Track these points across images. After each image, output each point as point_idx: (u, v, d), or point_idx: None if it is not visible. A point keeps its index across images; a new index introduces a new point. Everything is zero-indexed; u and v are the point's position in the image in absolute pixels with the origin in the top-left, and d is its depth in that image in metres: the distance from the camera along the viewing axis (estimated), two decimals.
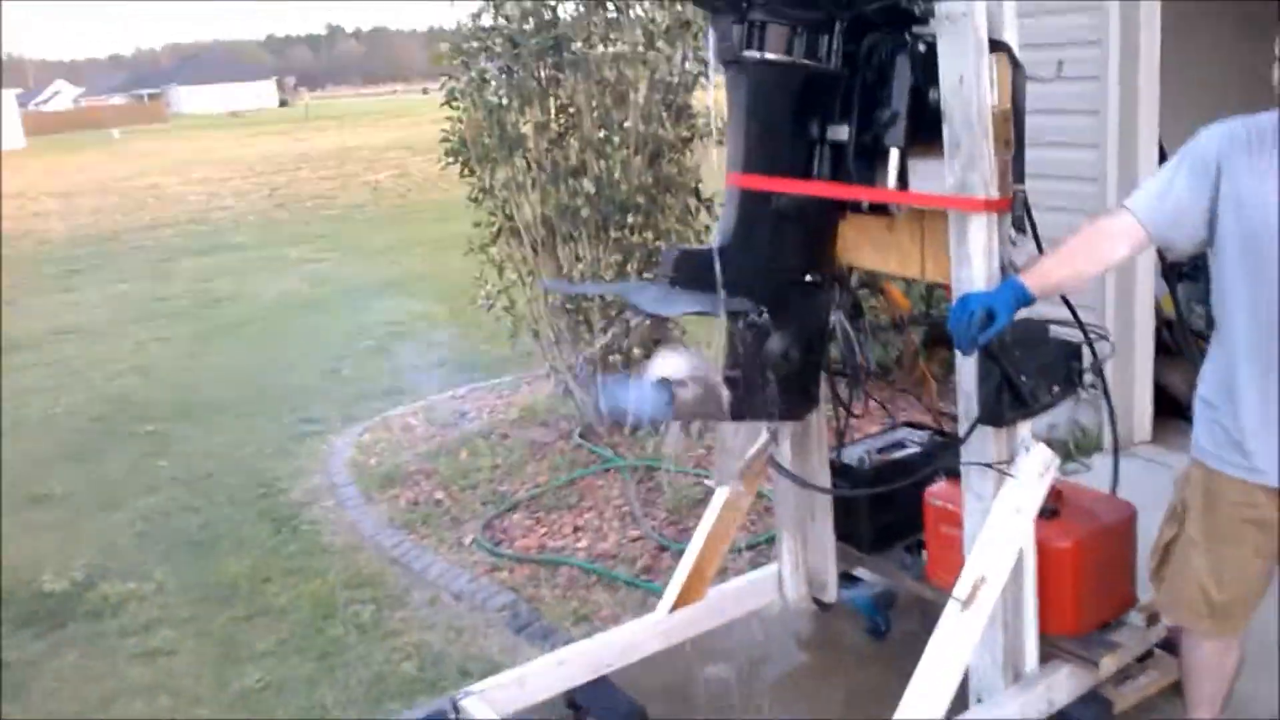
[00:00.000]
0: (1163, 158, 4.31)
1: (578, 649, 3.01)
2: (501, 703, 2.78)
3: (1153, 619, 2.81)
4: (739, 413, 2.43)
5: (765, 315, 2.34)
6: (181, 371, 7.56)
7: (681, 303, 2.35)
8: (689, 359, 2.37)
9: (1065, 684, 2.67)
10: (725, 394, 2.37)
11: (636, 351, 4.94)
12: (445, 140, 5.03)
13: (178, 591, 4.14)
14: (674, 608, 3.10)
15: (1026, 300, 2.19)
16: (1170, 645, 2.81)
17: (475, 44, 4.79)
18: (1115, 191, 4.16)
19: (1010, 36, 2.16)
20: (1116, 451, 2.85)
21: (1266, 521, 2.28)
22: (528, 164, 4.78)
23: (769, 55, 2.30)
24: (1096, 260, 2.28)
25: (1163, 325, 4.62)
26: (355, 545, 4.44)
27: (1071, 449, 4.26)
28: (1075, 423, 4.39)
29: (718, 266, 2.26)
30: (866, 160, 2.36)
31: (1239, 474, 2.26)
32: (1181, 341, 4.70)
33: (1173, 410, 4.67)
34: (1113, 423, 2.85)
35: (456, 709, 2.74)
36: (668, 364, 2.32)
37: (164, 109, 63.94)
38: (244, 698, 3.36)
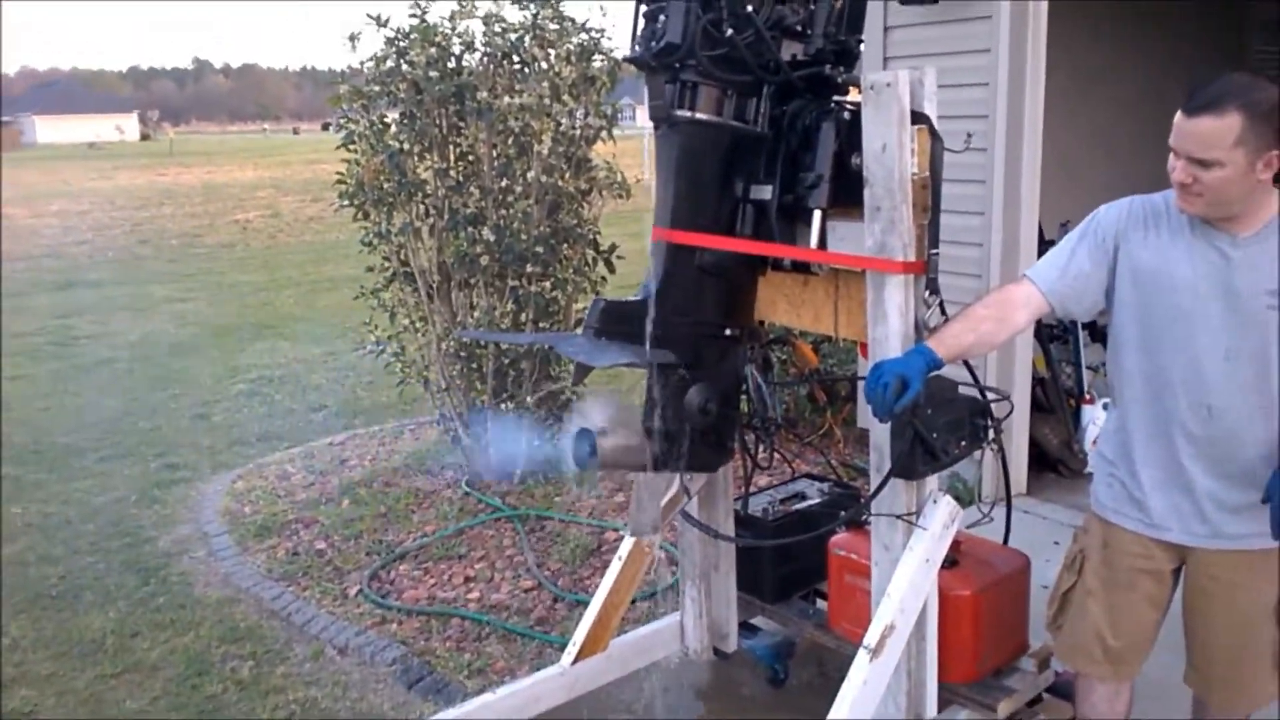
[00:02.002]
0: (1041, 234, 4.57)
1: (477, 704, 2.93)
2: None
3: (1043, 664, 2.92)
4: (661, 463, 2.44)
5: (688, 368, 2.37)
6: (37, 413, 7.14)
7: (610, 354, 2.36)
8: (611, 409, 2.37)
9: None
10: (646, 444, 2.38)
11: (529, 400, 4.93)
12: (341, 183, 4.95)
13: (36, 647, 3.87)
14: (577, 659, 3.06)
15: (936, 365, 2.27)
16: (1058, 690, 2.93)
17: (377, 88, 4.74)
18: (999, 255, 4.38)
19: (930, 109, 2.26)
20: (1009, 503, 2.96)
21: (1160, 573, 2.42)
22: (426, 210, 4.74)
23: (699, 115, 2.35)
24: (1003, 327, 2.39)
25: (1036, 383, 4.86)
26: (231, 598, 4.25)
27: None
28: (955, 475, 4.56)
29: (651, 318, 2.28)
30: (788, 220, 2.43)
31: (1136, 528, 2.38)
32: (1053, 399, 4.96)
33: (1044, 464, 4.91)
34: (1006, 476, 2.97)
35: None
36: (591, 413, 2.32)
37: (17, 137, 60.88)
38: None
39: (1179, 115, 2.11)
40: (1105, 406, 4.41)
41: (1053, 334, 4.99)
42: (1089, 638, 2.47)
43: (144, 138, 70.89)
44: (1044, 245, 4.72)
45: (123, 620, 4.06)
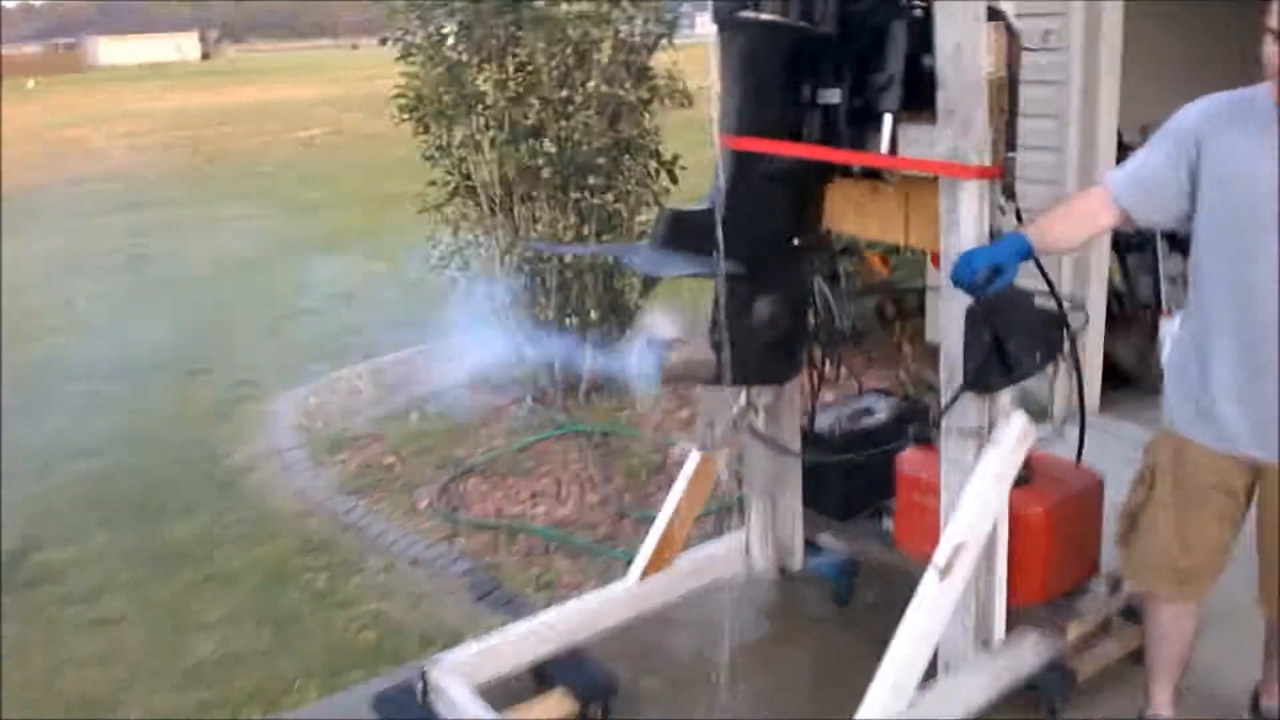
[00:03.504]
0: (1120, 139, 4.38)
1: (547, 618, 2.96)
2: (471, 673, 2.73)
3: (1114, 586, 2.86)
4: (727, 377, 2.41)
5: (755, 279, 2.31)
6: (116, 330, 7.29)
7: (676, 264, 2.32)
8: (677, 321, 2.33)
9: (1031, 652, 2.71)
10: (713, 357, 2.34)
11: (593, 314, 4.90)
12: (400, 96, 4.89)
13: (122, 557, 4.00)
14: (643, 576, 3.07)
15: (1028, 253, 2.21)
16: (1131, 613, 2.88)
17: None
18: (1076, 161, 4.21)
19: (1007, 5, 2.14)
20: (1083, 421, 2.87)
21: (1233, 489, 2.34)
22: (486, 123, 4.67)
23: (763, 16, 2.25)
24: (1088, 225, 2.34)
25: (1111, 296, 4.70)
26: (305, 511, 4.34)
27: None
28: (1026, 391, 4.45)
29: (719, 228, 2.22)
30: (858, 125, 2.34)
31: (1208, 442, 2.30)
32: (1130, 311, 4.80)
33: (1119, 380, 4.77)
34: (1080, 392, 2.87)
35: (425, 680, 2.69)
36: (657, 326, 2.29)
37: (81, 59, 61.54)
38: (198, 669, 3.27)
39: None
40: None
41: (1130, 243, 4.80)
42: (1158, 555, 2.42)
43: (204, 57, 71.19)
44: (1123, 150, 4.51)
45: (204, 531, 4.17)
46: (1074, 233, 2.37)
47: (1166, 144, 2.24)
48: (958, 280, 2.19)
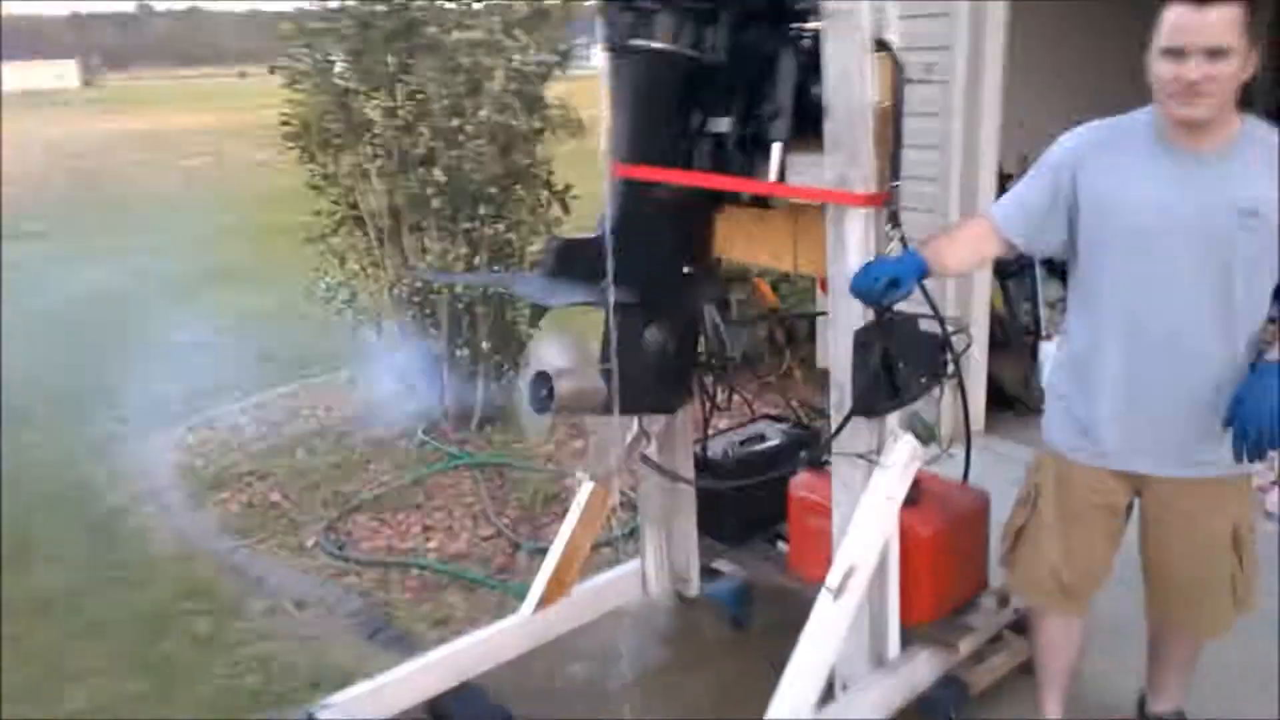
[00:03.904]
0: (1001, 170, 4.54)
1: (439, 654, 2.90)
2: (361, 715, 2.65)
3: (1003, 601, 2.93)
4: (618, 406, 2.39)
5: (645, 306, 2.31)
6: None
7: (565, 293, 2.29)
8: (568, 350, 2.31)
9: (925, 667, 2.75)
10: (604, 386, 2.33)
11: (484, 345, 4.85)
12: (286, 124, 4.79)
13: None
14: (538, 607, 3.03)
15: (924, 273, 2.26)
16: (1019, 627, 2.95)
17: (322, 24, 4.57)
18: (958, 191, 4.34)
19: (892, 36, 2.19)
20: (969, 442, 2.94)
21: (1115, 506, 2.42)
22: (374, 151, 4.60)
23: (654, 44, 2.26)
24: (977, 252, 2.42)
25: (994, 321, 4.85)
26: (185, 553, 4.16)
27: None
28: (915, 415, 4.55)
29: (610, 256, 2.21)
30: (747, 153, 2.36)
31: (1091, 461, 2.37)
32: (1011, 336, 4.97)
33: (1001, 402, 4.92)
34: (966, 413, 2.94)
35: None
36: (547, 356, 2.26)
37: None
38: None
39: (1179, 10, 2.02)
40: None
41: (1010, 270, 4.97)
42: (1044, 573, 2.48)
43: (86, 84, 68.86)
44: (1004, 180, 4.68)
45: (78, 578, 3.96)
46: (965, 258, 2.46)
47: (1042, 175, 2.32)
48: (857, 289, 2.22)
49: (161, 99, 43.60)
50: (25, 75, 63.94)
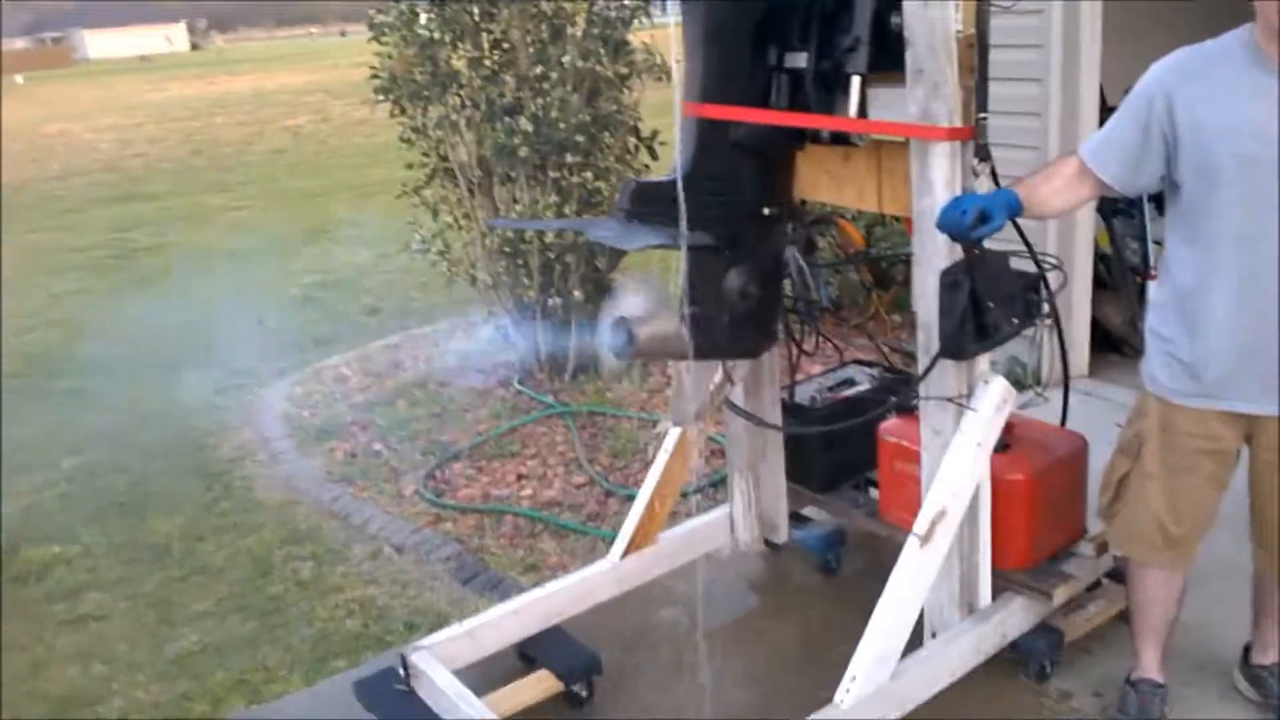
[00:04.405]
0: (1104, 101, 4.32)
1: (529, 598, 2.94)
2: (452, 656, 2.71)
3: (1101, 549, 2.83)
4: (699, 351, 2.37)
5: (725, 249, 2.27)
6: (102, 325, 7.24)
7: (640, 236, 2.27)
8: (648, 296, 2.29)
9: (1018, 616, 2.69)
10: (685, 332, 2.30)
11: (577, 294, 4.86)
12: (375, 77, 4.83)
13: (107, 553, 3.98)
14: (626, 553, 3.05)
15: (1017, 210, 2.17)
16: (1117, 574, 2.86)
17: None
18: (1058, 125, 4.16)
19: None
20: (1067, 384, 2.84)
21: (1223, 452, 2.30)
22: (462, 102, 4.61)
23: None
24: (1073, 194, 2.29)
25: (1099, 260, 4.66)
26: (291, 500, 4.31)
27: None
28: (1013, 359, 4.42)
29: (681, 198, 2.18)
30: (826, 89, 2.29)
31: (1198, 404, 2.26)
32: (1117, 276, 4.76)
33: (1107, 344, 4.74)
34: (1064, 355, 2.84)
35: (406, 665, 2.67)
36: (627, 302, 2.24)
37: (69, 53, 61.20)
38: (182, 661, 3.24)
39: None
40: None
41: (1116, 208, 4.75)
42: (1148, 524, 2.37)
43: (193, 47, 70.87)
44: (1106, 112, 4.46)
45: (189, 525, 4.15)
46: (1059, 198, 2.30)
47: (1133, 109, 2.19)
48: (944, 223, 2.14)
49: (265, 59, 44.59)
50: (135, 41, 66.03)
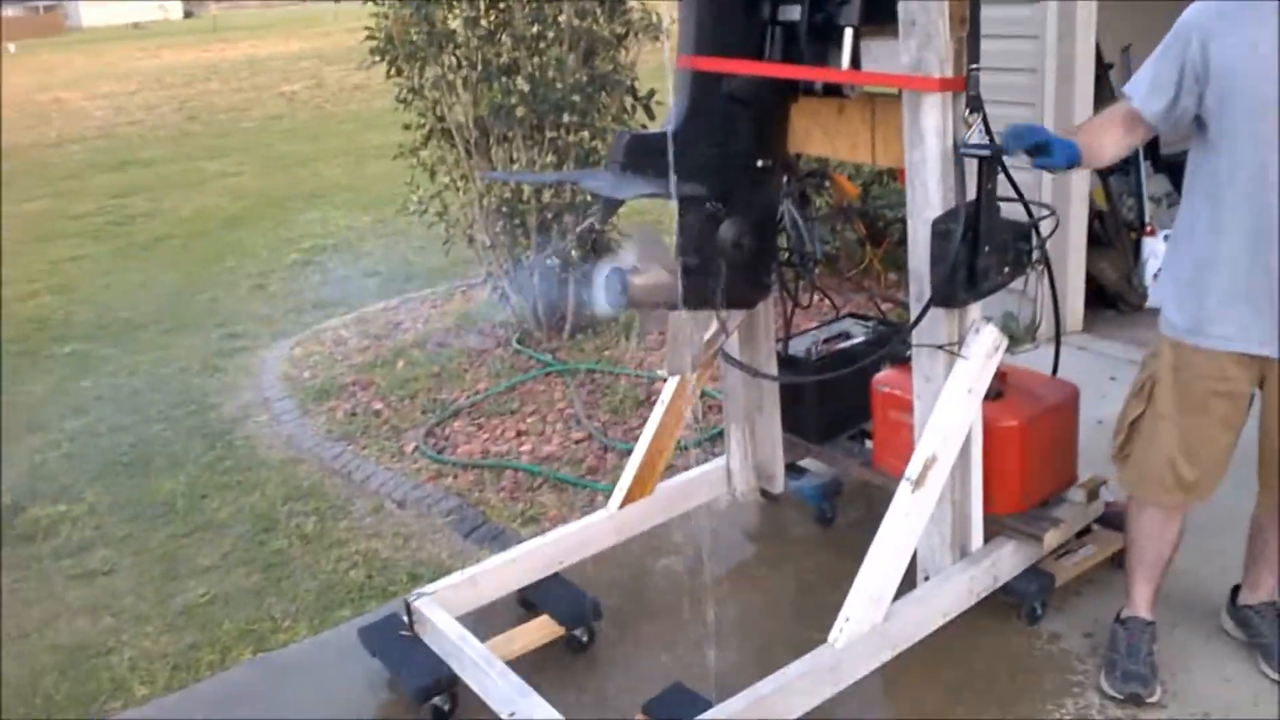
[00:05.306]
0: (1100, 58, 4.33)
1: (529, 547, 3.00)
2: (455, 603, 2.77)
3: (1092, 495, 2.89)
4: (691, 301, 2.40)
5: (718, 201, 2.30)
6: (100, 290, 7.27)
7: (634, 187, 2.29)
8: (642, 245, 2.32)
9: (1010, 559, 2.75)
10: (678, 282, 2.34)
11: (573, 254, 4.88)
12: (370, 38, 4.83)
13: (112, 511, 4.03)
14: (624, 503, 3.10)
15: (1076, 161, 2.23)
16: (1107, 520, 2.91)
17: None
18: (1054, 82, 4.17)
19: None
20: (1058, 333, 2.88)
21: (1236, 394, 2.33)
22: (458, 62, 4.61)
23: None
24: (1129, 136, 2.32)
25: (1094, 216, 4.68)
26: (294, 458, 4.36)
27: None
28: (1008, 314, 4.46)
29: (670, 150, 2.20)
30: (819, 41, 2.31)
31: (1211, 345, 2.29)
32: (1112, 232, 4.79)
33: (1102, 300, 4.78)
34: (1055, 305, 2.88)
35: (410, 611, 2.73)
36: (623, 252, 2.28)
37: (61, 21, 60.55)
38: (189, 612, 3.30)
39: None
40: (1166, 239, 4.23)
41: (1112, 165, 4.77)
42: (1161, 465, 2.40)
43: (187, 15, 70.12)
44: (1102, 69, 4.47)
45: (192, 483, 4.19)
46: (1116, 146, 2.35)
47: (1170, 46, 2.21)
48: (1010, 132, 2.20)
49: (260, 26, 44.19)
50: (129, 8, 65.34)
